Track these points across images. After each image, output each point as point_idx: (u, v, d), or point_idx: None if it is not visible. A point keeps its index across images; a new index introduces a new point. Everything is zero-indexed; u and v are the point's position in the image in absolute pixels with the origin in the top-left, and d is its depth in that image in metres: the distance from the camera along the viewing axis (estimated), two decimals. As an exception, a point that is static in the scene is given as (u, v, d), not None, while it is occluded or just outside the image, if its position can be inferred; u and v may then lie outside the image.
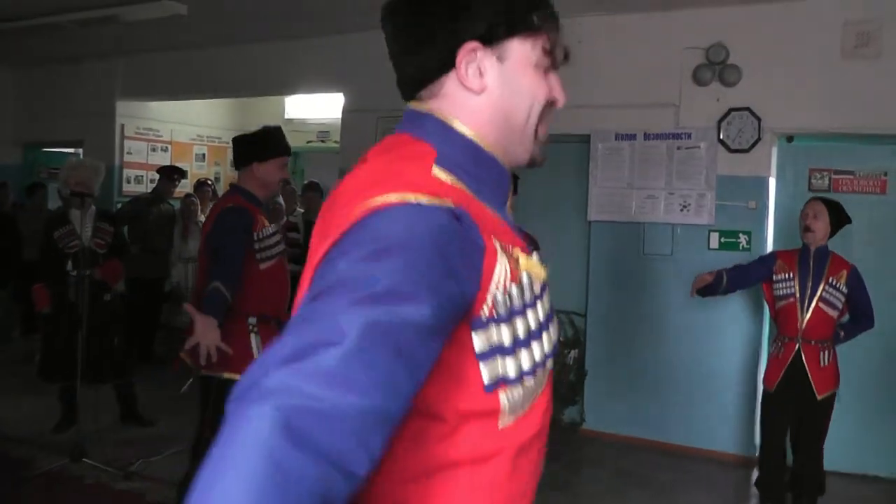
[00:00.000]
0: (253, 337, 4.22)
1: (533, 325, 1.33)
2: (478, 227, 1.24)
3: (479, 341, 1.25)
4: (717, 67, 6.59)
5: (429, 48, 1.35)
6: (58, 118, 10.53)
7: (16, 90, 11.11)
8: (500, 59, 1.35)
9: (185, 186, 9.91)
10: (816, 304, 5.08)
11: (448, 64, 1.35)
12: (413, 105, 1.41)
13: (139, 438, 6.41)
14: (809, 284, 5.11)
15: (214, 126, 11.34)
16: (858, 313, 5.23)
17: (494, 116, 1.37)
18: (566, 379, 7.24)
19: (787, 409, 5.23)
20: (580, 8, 6.76)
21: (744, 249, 6.56)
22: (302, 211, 9.09)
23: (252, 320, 4.23)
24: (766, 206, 6.59)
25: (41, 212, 9.47)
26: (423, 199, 1.19)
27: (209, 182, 10.03)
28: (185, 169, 9.94)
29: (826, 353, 5.09)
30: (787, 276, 5.18)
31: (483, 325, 1.25)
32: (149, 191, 9.48)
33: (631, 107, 6.93)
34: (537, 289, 1.35)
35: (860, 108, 6.16)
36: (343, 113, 8.44)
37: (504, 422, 1.30)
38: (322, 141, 11.46)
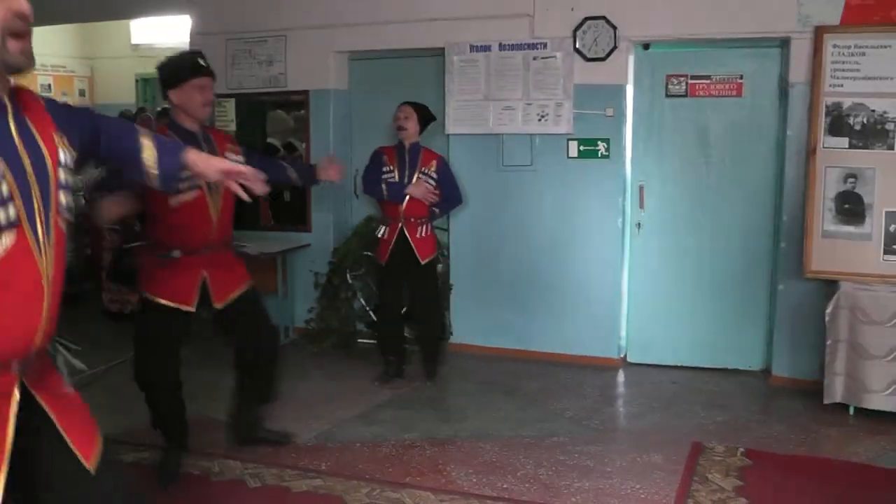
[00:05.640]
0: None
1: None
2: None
3: None
4: (568, -24, 6.56)
5: None
6: None
7: None
8: None
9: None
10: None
11: None
12: None
13: None
14: (407, 174, 6.17)
15: (59, 55, 10.75)
16: (447, 194, 6.36)
17: None
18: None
19: (399, 279, 6.36)
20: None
21: (602, 157, 6.63)
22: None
23: (176, 253, 4.35)
24: (623, 114, 6.66)
25: None
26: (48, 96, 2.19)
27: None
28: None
29: (423, 227, 6.24)
30: (390, 168, 6.20)
31: None
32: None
33: (485, 18, 6.84)
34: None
35: (714, 14, 6.25)
36: (191, 36, 7.98)
37: None
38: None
